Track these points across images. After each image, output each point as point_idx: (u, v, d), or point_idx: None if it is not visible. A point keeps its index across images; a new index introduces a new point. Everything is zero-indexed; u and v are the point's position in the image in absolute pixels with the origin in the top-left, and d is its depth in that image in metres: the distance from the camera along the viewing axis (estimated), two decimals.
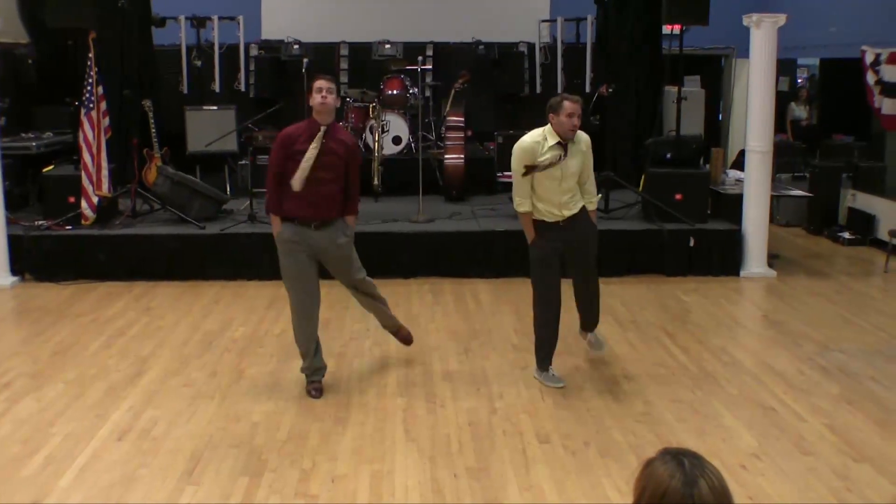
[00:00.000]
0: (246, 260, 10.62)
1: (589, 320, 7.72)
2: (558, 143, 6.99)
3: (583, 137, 7.14)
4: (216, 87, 14.44)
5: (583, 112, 7.07)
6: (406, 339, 7.95)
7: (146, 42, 13.38)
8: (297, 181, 6.79)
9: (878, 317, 9.39)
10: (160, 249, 10.64)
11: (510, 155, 7.29)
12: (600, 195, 7.30)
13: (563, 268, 7.29)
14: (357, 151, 7.23)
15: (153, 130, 12.18)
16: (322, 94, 6.82)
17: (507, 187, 12.26)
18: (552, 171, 7.00)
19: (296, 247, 6.96)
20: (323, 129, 6.82)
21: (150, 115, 12.16)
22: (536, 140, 7.06)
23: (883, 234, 12.10)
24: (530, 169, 7.00)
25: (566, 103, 6.97)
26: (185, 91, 14.26)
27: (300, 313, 7.11)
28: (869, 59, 12.80)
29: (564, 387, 7.26)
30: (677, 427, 6.57)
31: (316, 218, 6.92)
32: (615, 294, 9.92)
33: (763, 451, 6.16)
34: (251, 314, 9.32)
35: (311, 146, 6.77)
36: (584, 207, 7.23)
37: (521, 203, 7.15)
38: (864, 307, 9.76)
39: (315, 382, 7.19)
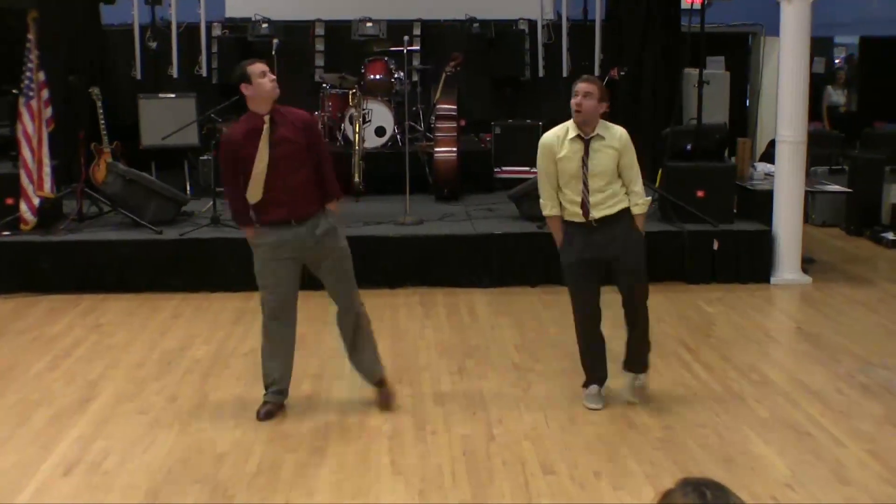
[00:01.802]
0: (209, 268, 10.63)
1: (630, 355, 7.55)
2: (578, 136, 7.01)
3: (616, 132, 7.09)
4: (174, 72, 14.45)
5: (608, 94, 7.05)
6: (387, 400, 7.41)
7: (94, 21, 13.41)
8: (252, 195, 6.85)
9: None
10: (111, 257, 10.63)
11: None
12: (651, 198, 7.22)
13: (608, 276, 7.29)
14: (314, 125, 7.29)
15: (102, 122, 12.17)
16: (270, 78, 6.89)
17: (506, 184, 12.39)
18: (572, 169, 7.02)
19: (278, 251, 6.98)
20: (267, 118, 6.82)
21: (99, 104, 12.15)
22: (557, 134, 7.10)
23: None
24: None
25: (577, 83, 7.02)
26: (139, 77, 14.28)
27: (274, 331, 7.19)
28: None
29: (601, 409, 7.29)
30: (700, 454, 6.58)
31: (294, 217, 6.92)
32: None
33: (797, 481, 6.17)
34: (215, 330, 9.33)
35: (259, 147, 6.77)
36: (626, 211, 7.14)
37: (544, 205, 7.24)
38: None
39: (268, 404, 7.22)
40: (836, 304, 10.32)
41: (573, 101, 6.93)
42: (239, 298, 10.10)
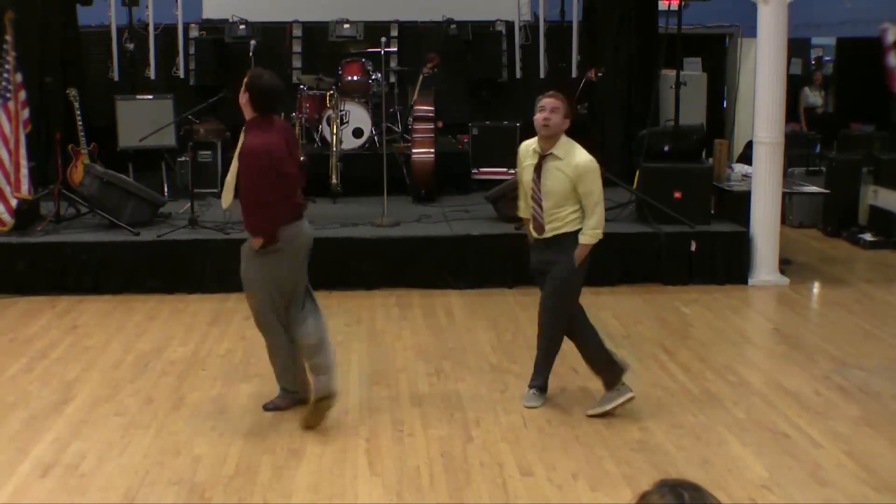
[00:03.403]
0: (186, 270, 10.61)
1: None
2: (534, 149, 7.09)
3: (574, 159, 7.00)
4: (151, 73, 14.39)
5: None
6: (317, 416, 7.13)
7: (71, 23, 13.35)
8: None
9: None
10: (88, 259, 10.59)
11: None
12: (601, 235, 7.17)
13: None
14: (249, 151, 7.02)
15: (79, 123, 12.14)
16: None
17: (483, 186, 12.39)
18: (526, 182, 7.13)
19: (302, 249, 7.13)
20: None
21: (76, 105, 12.13)
22: (528, 143, 7.19)
23: None
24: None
25: (542, 98, 7.05)
26: (116, 78, 14.22)
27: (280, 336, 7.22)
28: (890, 38, 12.89)
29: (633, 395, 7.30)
30: (677, 456, 6.60)
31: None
32: (606, 306, 9.96)
33: (774, 482, 6.19)
34: (192, 332, 9.30)
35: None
36: (568, 237, 7.12)
37: (519, 206, 7.38)
38: (886, 318, 9.83)
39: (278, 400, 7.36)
40: (813, 305, 10.36)
41: (540, 116, 6.94)
42: (215, 300, 10.09)
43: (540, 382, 7.51)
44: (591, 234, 7.07)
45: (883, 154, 13.68)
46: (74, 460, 6.50)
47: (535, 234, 7.17)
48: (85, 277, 10.54)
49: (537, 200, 7.03)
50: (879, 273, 11.70)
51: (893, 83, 12.90)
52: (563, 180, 6.96)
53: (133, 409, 7.39)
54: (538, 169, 6.99)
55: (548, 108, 6.90)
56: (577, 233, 7.06)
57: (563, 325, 7.36)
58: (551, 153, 6.97)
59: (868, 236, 12.98)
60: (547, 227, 7.06)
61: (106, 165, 11.85)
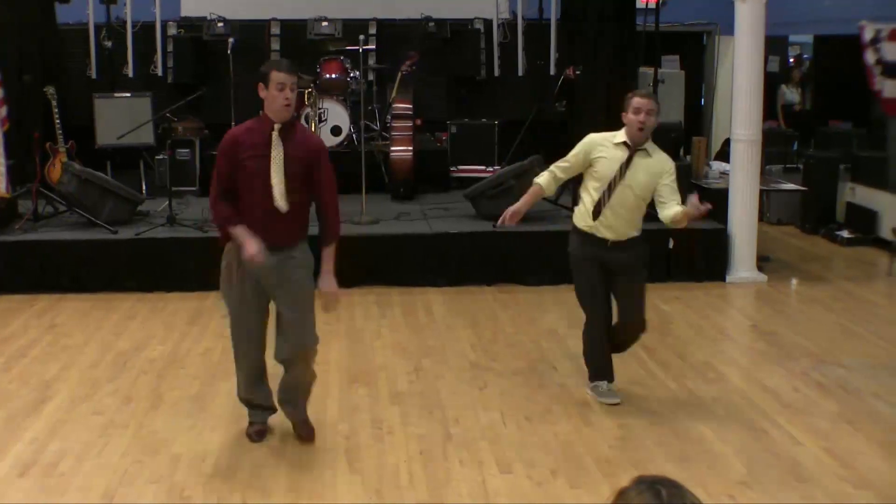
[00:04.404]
0: (165, 269, 10.58)
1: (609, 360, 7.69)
2: (625, 142, 7.01)
3: (661, 154, 7.08)
4: (129, 71, 14.36)
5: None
6: (308, 435, 6.82)
7: (49, 20, 13.29)
8: (280, 199, 6.27)
9: (881, 326, 9.49)
10: (66, 257, 10.56)
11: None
12: (638, 224, 7.24)
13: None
14: (323, 153, 6.52)
15: (57, 121, 12.09)
16: (285, 97, 6.23)
17: (462, 183, 12.39)
18: (606, 173, 7.04)
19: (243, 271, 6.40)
20: (276, 128, 6.27)
21: (54, 103, 12.08)
22: (605, 136, 7.13)
23: (886, 231, 12.25)
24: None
25: (634, 98, 7.01)
26: (94, 76, 14.18)
27: (241, 348, 6.71)
28: (868, 35, 12.92)
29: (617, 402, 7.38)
30: (656, 453, 6.60)
31: (267, 243, 6.28)
32: None
33: (754, 479, 6.20)
34: (171, 331, 9.28)
35: (272, 158, 6.22)
36: (634, 241, 7.24)
37: (542, 175, 7.38)
38: (866, 315, 9.86)
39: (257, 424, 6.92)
40: (791, 302, 10.38)
41: (635, 118, 6.92)
42: (195, 298, 10.06)
43: (611, 376, 7.54)
44: (678, 210, 6.95)
45: (860, 151, 13.75)
46: (53, 459, 6.47)
47: (591, 230, 7.13)
48: (63, 276, 10.50)
49: (612, 189, 6.99)
50: (857, 270, 11.75)
51: (871, 81, 12.93)
52: (652, 175, 6.98)
53: (112, 408, 7.37)
54: (628, 162, 6.97)
55: (643, 111, 6.90)
56: (638, 238, 7.25)
57: None
58: (644, 149, 7.01)
59: (846, 233, 13.02)
60: (609, 230, 7.09)
61: (84, 163, 11.80)
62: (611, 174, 6.99)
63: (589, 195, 7.12)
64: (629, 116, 6.96)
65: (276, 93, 6.22)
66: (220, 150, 6.42)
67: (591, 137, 7.16)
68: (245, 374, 6.77)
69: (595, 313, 7.33)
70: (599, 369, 7.49)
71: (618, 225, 7.09)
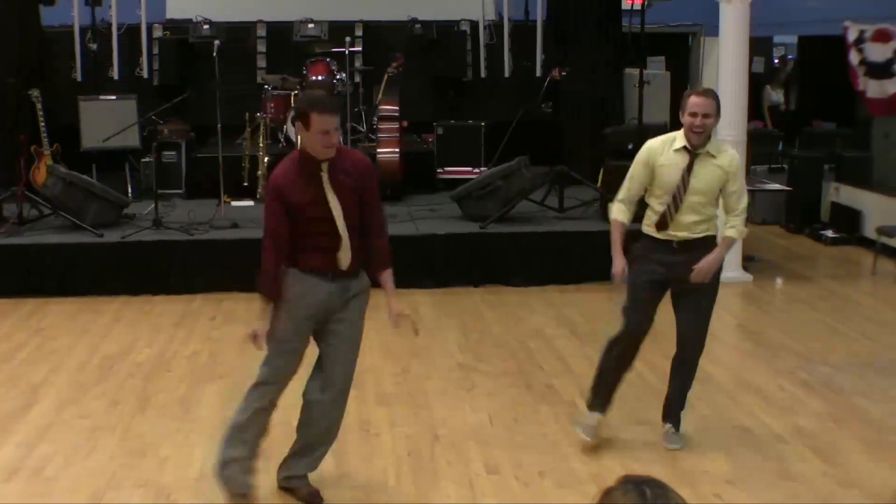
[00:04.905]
0: (151, 271, 10.55)
1: (670, 400, 6.99)
2: (684, 147, 6.53)
3: (727, 154, 6.61)
4: (114, 73, 14.33)
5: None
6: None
7: (33, 23, 13.26)
8: (342, 232, 5.82)
9: (866, 325, 9.52)
10: (52, 261, 10.53)
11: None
12: (746, 230, 6.87)
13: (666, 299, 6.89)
14: (370, 173, 6.08)
15: (42, 124, 12.05)
16: (331, 142, 5.67)
17: (449, 185, 12.38)
18: (670, 180, 6.53)
19: (302, 303, 5.90)
20: (325, 166, 5.73)
21: (39, 106, 12.03)
22: (663, 140, 6.65)
23: (870, 231, 12.27)
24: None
25: (690, 98, 6.50)
26: (79, 79, 14.15)
27: (270, 388, 6.07)
28: (852, 36, 12.96)
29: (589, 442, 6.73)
30: (643, 453, 6.62)
31: (333, 275, 5.93)
32: (571, 304, 9.98)
33: (739, 478, 6.22)
34: (157, 333, 9.26)
35: (328, 197, 5.74)
36: (711, 239, 6.72)
37: (615, 206, 6.81)
38: (850, 314, 9.89)
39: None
40: (777, 301, 10.40)
41: (693, 121, 6.43)
42: (181, 301, 10.06)
43: (675, 419, 6.90)
44: (740, 230, 6.73)
45: (845, 151, 13.79)
46: (40, 464, 6.45)
47: (668, 237, 6.61)
48: (49, 279, 10.47)
49: (678, 199, 6.51)
50: (842, 269, 11.78)
51: (855, 81, 12.97)
52: (717, 176, 6.53)
53: (99, 412, 7.35)
54: (690, 167, 6.50)
55: (700, 114, 6.41)
56: (713, 237, 6.70)
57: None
58: (706, 151, 6.52)
59: (830, 233, 13.06)
60: (685, 229, 6.57)
61: (69, 166, 11.79)
62: (674, 182, 6.51)
63: (653, 207, 6.66)
64: (686, 118, 6.49)
65: (320, 137, 5.62)
66: (269, 203, 5.82)
67: (649, 145, 6.67)
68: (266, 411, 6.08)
69: (630, 326, 6.83)
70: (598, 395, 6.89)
71: (686, 222, 6.58)
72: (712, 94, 6.55)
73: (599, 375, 6.84)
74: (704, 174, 6.49)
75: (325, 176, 5.70)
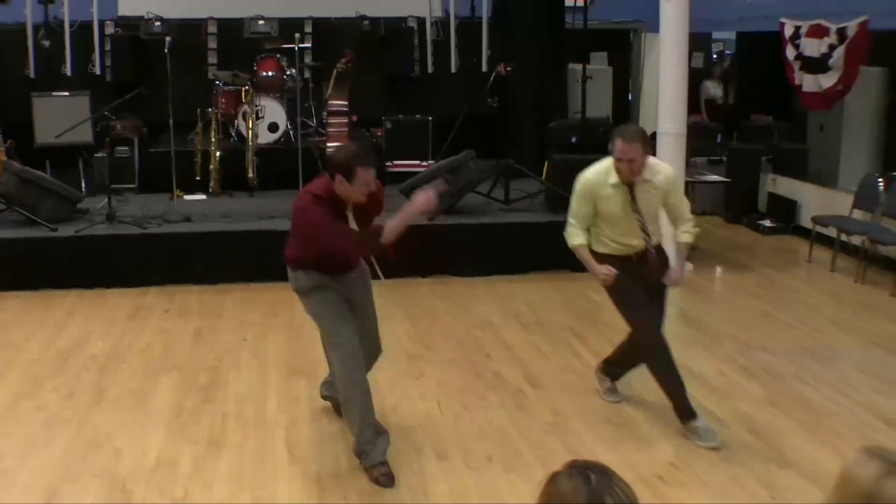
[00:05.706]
0: (105, 265, 10.47)
1: (673, 399, 6.91)
2: (620, 182, 6.57)
3: (662, 175, 6.65)
4: (67, 70, 14.19)
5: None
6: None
7: None
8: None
9: (802, 311, 9.61)
10: (6, 255, 10.42)
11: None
12: (693, 226, 6.93)
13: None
14: (380, 195, 6.44)
15: None
16: (367, 192, 6.03)
17: (397, 178, 12.36)
18: (617, 213, 6.62)
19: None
20: (350, 207, 6.17)
21: None
22: (598, 171, 6.65)
23: (806, 220, 12.38)
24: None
25: (617, 142, 6.44)
26: (32, 75, 13.99)
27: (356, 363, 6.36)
28: (788, 32, 13.08)
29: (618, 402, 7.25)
30: (588, 437, 6.65)
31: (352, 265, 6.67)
32: (518, 294, 10.00)
33: (681, 461, 6.26)
34: (112, 326, 9.19)
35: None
36: (660, 246, 6.90)
37: (572, 234, 6.84)
38: (787, 301, 9.98)
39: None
40: (716, 289, 10.47)
41: (620, 166, 6.44)
42: (134, 294, 9.99)
43: (690, 409, 6.82)
44: (693, 233, 6.90)
45: (781, 144, 13.91)
46: None
47: (626, 251, 6.74)
48: (4, 274, 10.35)
49: (644, 227, 6.66)
50: (779, 258, 11.88)
51: (791, 75, 13.08)
52: (657, 197, 6.65)
53: (54, 404, 7.29)
54: (633, 197, 6.56)
55: (626, 160, 6.39)
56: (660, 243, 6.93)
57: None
58: (642, 178, 6.54)
59: (767, 222, 13.18)
60: (640, 240, 6.70)
61: (23, 162, 11.66)
62: (619, 215, 6.62)
63: (604, 231, 6.75)
64: (615, 161, 6.49)
65: (362, 188, 5.96)
66: (316, 208, 6.05)
67: (585, 178, 6.69)
68: (363, 391, 6.27)
69: (648, 324, 6.88)
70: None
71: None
72: (638, 137, 6.46)
73: (669, 382, 6.83)
74: (647, 198, 6.64)
75: (349, 215, 6.20)
